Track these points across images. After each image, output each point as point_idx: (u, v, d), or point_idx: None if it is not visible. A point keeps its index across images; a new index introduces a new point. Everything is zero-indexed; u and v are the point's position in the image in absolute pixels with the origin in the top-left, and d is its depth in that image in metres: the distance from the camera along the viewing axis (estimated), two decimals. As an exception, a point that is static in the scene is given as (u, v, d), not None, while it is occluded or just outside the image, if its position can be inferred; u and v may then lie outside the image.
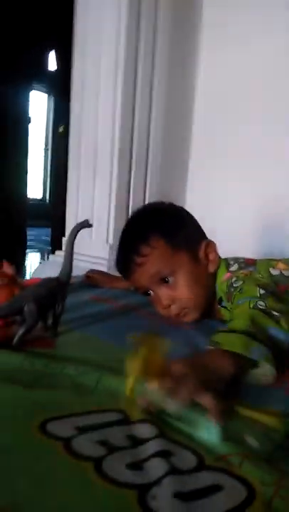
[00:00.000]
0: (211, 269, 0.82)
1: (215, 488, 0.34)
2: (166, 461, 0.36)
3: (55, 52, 4.60)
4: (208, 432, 0.41)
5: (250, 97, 1.59)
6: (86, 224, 0.75)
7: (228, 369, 0.48)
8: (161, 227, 0.80)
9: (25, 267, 3.57)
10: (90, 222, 0.76)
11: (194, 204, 1.69)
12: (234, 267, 0.83)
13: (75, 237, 0.73)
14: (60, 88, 3.75)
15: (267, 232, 1.48)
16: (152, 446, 0.39)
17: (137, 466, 0.36)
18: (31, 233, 4.72)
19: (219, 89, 1.72)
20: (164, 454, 0.37)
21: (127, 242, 0.84)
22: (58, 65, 4.49)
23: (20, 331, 0.64)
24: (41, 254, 4.26)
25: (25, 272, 2.98)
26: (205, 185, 1.75)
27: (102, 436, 0.40)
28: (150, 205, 0.86)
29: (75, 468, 0.35)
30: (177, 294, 0.79)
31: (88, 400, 0.47)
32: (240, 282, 0.74)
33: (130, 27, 1.58)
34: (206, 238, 0.86)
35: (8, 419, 0.42)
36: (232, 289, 0.75)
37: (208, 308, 0.83)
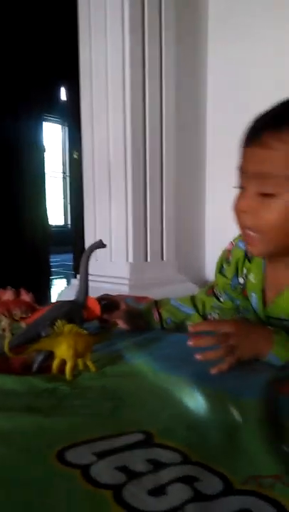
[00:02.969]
0: None
1: (244, 513, 0.32)
2: (190, 487, 0.34)
3: (64, 84, 4.77)
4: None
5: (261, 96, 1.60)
6: (100, 244, 0.75)
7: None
8: None
9: (50, 293, 3.61)
10: (104, 243, 0.75)
11: (214, 216, 1.68)
12: None
13: (88, 258, 0.73)
14: (72, 117, 3.86)
15: None
16: (175, 471, 0.36)
17: (158, 491, 0.34)
18: (56, 259, 4.79)
19: (229, 93, 1.73)
20: (187, 480, 0.35)
21: (262, 117, 0.61)
22: (67, 96, 4.64)
23: (39, 358, 0.63)
24: (67, 279, 4.31)
25: (50, 298, 3.01)
26: (225, 197, 1.74)
27: (122, 462, 0.38)
28: None
29: (94, 498, 0.34)
30: (264, 212, 0.59)
31: (107, 423, 0.46)
32: None
33: (134, 51, 1.61)
34: None
35: (27, 450, 0.41)
36: None
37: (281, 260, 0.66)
